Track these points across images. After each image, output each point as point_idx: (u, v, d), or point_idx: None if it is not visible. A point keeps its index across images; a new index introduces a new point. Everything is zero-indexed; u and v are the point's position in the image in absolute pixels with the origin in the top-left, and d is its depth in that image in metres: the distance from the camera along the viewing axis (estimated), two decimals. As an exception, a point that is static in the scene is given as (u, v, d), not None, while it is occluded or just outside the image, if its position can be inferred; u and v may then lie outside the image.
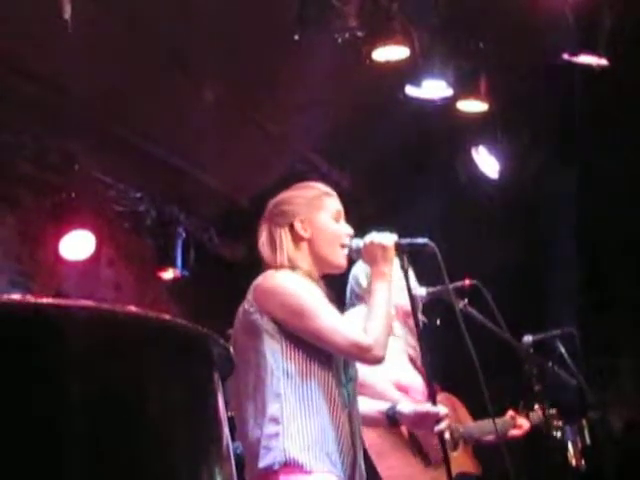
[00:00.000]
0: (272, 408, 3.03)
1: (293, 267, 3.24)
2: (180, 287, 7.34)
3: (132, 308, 1.54)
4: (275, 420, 3.02)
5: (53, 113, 5.95)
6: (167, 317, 1.57)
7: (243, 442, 3.11)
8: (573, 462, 4.43)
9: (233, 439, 1.76)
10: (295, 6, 5.33)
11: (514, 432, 4.54)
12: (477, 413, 4.36)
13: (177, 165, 6.88)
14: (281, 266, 3.23)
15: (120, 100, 6.04)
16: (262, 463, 2.99)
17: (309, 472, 2.99)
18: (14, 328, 1.43)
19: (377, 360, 3.17)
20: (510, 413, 4.50)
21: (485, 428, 4.31)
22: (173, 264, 7.11)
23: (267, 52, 5.87)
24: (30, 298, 1.50)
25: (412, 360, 4.14)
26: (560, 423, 4.46)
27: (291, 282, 3.17)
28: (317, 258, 3.30)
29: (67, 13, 4.45)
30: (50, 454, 1.40)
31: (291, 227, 3.29)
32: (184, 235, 7.20)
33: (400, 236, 3.37)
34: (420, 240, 3.40)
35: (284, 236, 3.28)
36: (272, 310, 3.11)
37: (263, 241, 3.30)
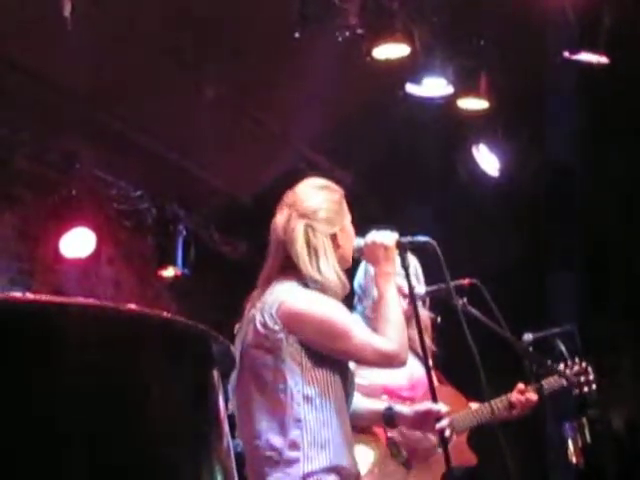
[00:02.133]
0: (293, 434, 3.03)
1: (339, 280, 3.21)
2: (180, 285, 7.33)
3: (132, 306, 1.54)
4: (296, 446, 3.02)
5: (53, 111, 5.95)
6: (167, 315, 1.57)
7: (250, 454, 3.08)
8: (573, 459, 4.42)
9: (233, 437, 1.76)
10: (296, 4, 5.32)
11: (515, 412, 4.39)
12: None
13: (178, 163, 6.88)
14: (320, 279, 3.16)
15: (121, 98, 6.04)
16: None
17: None
18: (14, 325, 1.43)
19: (403, 363, 3.24)
20: (519, 386, 4.32)
21: (482, 414, 4.25)
22: (173, 262, 7.10)
23: (268, 50, 5.87)
24: (30, 296, 1.51)
25: (418, 354, 4.12)
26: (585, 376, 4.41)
27: (322, 304, 3.15)
28: (341, 263, 3.29)
29: (67, 11, 4.44)
30: (49, 449, 1.40)
31: (332, 236, 3.25)
32: (185, 233, 7.20)
33: (401, 234, 3.38)
34: (421, 238, 3.42)
35: (327, 246, 3.22)
36: (302, 333, 3.09)
37: (301, 245, 3.18)
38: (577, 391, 4.43)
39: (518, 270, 7.53)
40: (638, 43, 6.12)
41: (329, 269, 3.19)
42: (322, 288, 3.17)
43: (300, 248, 3.19)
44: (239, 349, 3.13)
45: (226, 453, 1.64)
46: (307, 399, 3.06)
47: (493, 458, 3.42)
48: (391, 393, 3.98)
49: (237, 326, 3.24)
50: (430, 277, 3.98)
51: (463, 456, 4.21)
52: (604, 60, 5.84)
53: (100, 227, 6.64)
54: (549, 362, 4.33)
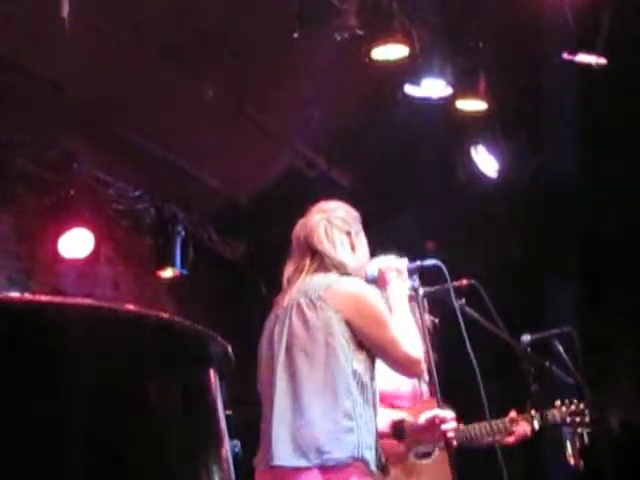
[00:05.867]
0: (345, 404, 3.13)
1: (359, 270, 3.39)
2: (179, 286, 7.33)
3: (130, 307, 1.55)
4: (349, 416, 3.12)
5: (52, 111, 5.95)
6: (165, 316, 1.57)
7: (299, 430, 3.10)
8: (571, 461, 4.41)
9: (231, 437, 1.76)
10: (294, 5, 5.32)
11: (509, 439, 4.32)
12: (474, 412, 4.33)
13: (176, 163, 6.88)
14: (349, 268, 3.35)
15: (119, 98, 6.04)
16: (336, 454, 3.06)
17: (371, 473, 3.12)
18: (13, 325, 1.43)
19: (420, 374, 3.42)
20: (511, 415, 4.31)
21: (477, 432, 4.24)
22: (172, 263, 7.09)
23: (266, 50, 5.87)
24: (29, 296, 1.51)
25: None
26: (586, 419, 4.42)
27: (370, 292, 3.32)
28: (356, 272, 3.42)
29: (65, 11, 4.44)
30: (48, 448, 1.40)
31: (347, 235, 3.45)
32: (183, 233, 7.19)
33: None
34: (429, 262, 3.64)
35: (344, 241, 3.43)
36: (349, 314, 3.22)
37: (321, 237, 3.39)
38: (570, 429, 4.42)
39: (516, 271, 7.53)
40: (636, 44, 6.12)
41: (348, 257, 3.38)
42: (347, 273, 3.33)
43: (321, 236, 3.40)
44: (285, 335, 3.22)
45: (223, 453, 1.65)
46: (354, 374, 3.17)
47: (487, 468, 3.43)
48: (382, 399, 3.97)
49: (273, 316, 3.34)
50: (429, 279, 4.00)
51: (443, 473, 4.15)
52: (602, 61, 5.84)
53: (98, 227, 6.64)
54: (548, 364, 4.33)
